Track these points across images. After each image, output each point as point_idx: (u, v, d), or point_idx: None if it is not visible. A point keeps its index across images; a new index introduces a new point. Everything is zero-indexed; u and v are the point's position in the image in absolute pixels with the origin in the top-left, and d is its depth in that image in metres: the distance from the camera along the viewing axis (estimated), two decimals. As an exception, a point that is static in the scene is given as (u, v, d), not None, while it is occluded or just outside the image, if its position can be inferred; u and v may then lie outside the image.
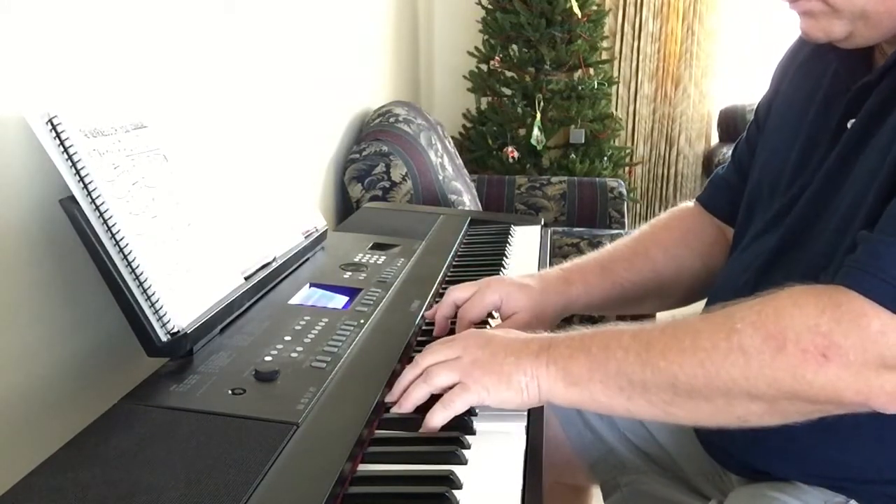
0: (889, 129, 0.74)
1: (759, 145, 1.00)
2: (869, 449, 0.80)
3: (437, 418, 0.74)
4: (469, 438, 0.73)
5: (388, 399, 0.79)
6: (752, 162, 1.00)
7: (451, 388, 0.76)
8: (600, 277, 1.05)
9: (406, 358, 0.90)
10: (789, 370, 0.66)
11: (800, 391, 0.67)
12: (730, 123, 3.88)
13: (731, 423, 0.73)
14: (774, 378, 0.67)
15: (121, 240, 0.78)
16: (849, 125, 0.82)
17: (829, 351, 0.65)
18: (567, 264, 1.07)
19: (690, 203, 1.14)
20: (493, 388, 0.76)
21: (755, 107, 1.07)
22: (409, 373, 0.80)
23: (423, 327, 1.01)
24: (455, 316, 0.99)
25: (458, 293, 1.00)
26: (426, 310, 1.02)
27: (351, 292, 1.05)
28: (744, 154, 1.05)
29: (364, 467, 0.69)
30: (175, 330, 0.80)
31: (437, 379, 0.77)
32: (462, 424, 0.75)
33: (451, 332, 0.96)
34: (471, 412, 0.77)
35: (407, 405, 0.77)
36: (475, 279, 1.20)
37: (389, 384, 0.81)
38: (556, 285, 1.03)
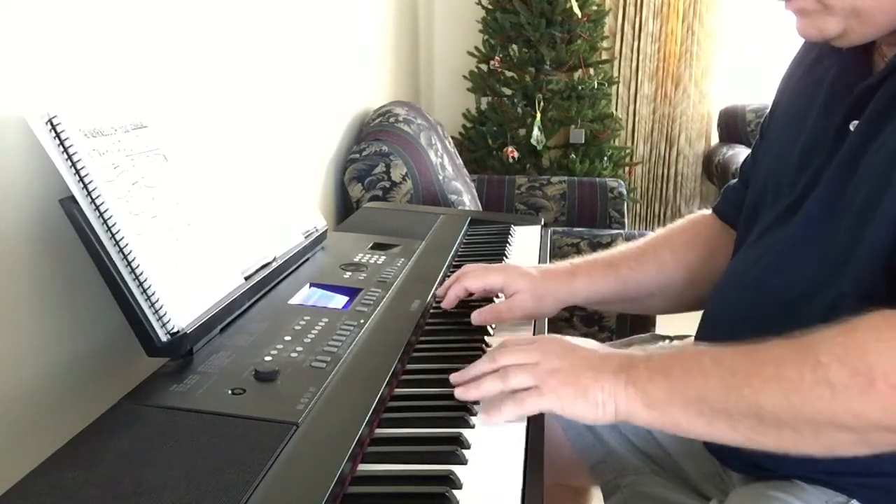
0: (894, 131, 0.75)
1: (762, 151, 1.02)
2: None
3: (507, 413, 0.76)
4: (469, 438, 0.73)
5: (454, 380, 0.81)
6: (755, 170, 1.02)
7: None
8: (605, 272, 1.08)
9: (406, 357, 0.90)
10: (879, 405, 0.66)
11: (890, 425, 0.66)
12: (730, 123, 3.87)
13: (818, 452, 0.71)
14: (863, 412, 0.66)
15: (121, 240, 0.78)
16: (851, 127, 0.82)
17: None
18: (576, 259, 1.11)
19: (707, 211, 1.16)
20: (569, 400, 0.76)
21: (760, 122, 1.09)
22: (483, 365, 0.81)
23: (425, 328, 1.01)
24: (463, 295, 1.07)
25: (469, 272, 1.07)
26: (425, 310, 1.02)
27: (351, 292, 1.05)
28: (749, 166, 1.08)
29: (364, 467, 0.69)
30: (175, 330, 0.80)
31: (514, 380, 0.78)
32: (464, 408, 0.78)
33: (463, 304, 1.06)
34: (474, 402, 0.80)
35: (475, 395, 0.79)
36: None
37: (389, 384, 0.82)
38: (559, 275, 1.07)
